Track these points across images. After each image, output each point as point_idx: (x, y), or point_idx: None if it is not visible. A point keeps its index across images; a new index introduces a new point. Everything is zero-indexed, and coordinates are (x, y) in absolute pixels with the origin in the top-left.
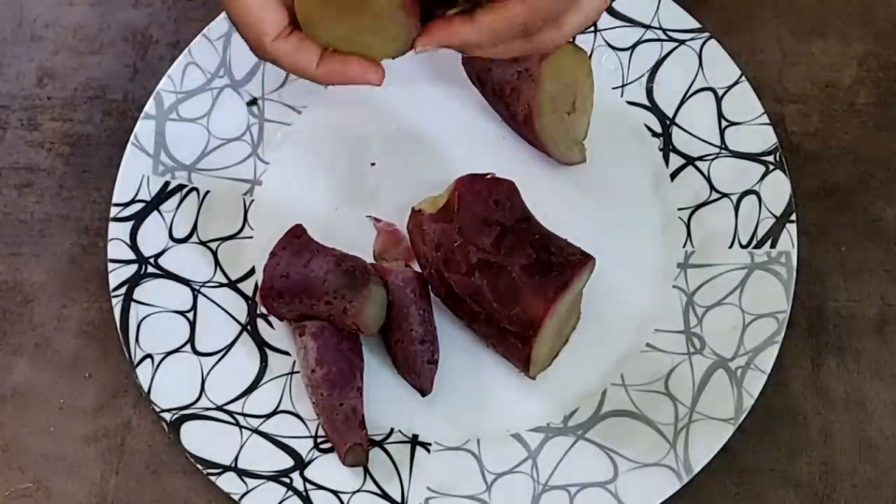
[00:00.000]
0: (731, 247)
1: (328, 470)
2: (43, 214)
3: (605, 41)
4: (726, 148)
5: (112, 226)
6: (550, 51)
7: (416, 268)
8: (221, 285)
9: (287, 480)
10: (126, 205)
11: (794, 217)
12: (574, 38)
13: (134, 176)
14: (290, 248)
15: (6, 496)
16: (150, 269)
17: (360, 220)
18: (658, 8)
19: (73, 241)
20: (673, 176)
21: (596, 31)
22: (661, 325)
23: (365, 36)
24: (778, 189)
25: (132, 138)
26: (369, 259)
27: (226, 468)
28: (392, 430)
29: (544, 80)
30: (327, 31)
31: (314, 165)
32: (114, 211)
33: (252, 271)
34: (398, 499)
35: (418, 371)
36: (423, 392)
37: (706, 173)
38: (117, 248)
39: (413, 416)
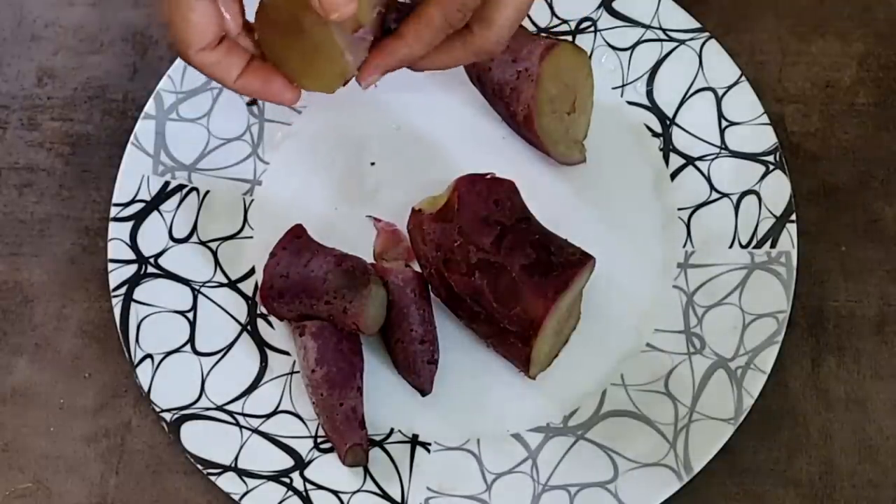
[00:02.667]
0: (731, 247)
1: (328, 470)
2: (43, 214)
3: (605, 41)
4: (726, 148)
5: (112, 226)
6: (493, 54)
7: (416, 268)
8: (221, 285)
9: (287, 480)
10: (126, 205)
11: (794, 217)
12: (574, 38)
13: (134, 176)
14: (290, 248)
15: (6, 496)
16: (150, 269)
17: (360, 220)
18: (658, 8)
19: (73, 241)
20: (673, 176)
21: (596, 31)
22: (661, 325)
23: (309, 65)
24: (778, 189)
25: (132, 138)
26: (369, 259)
27: (226, 468)
28: (392, 430)
29: (544, 80)
30: (276, 54)
31: (314, 165)
32: (114, 211)
33: (252, 271)
34: (398, 499)
35: (418, 371)
36: (423, 392)
37: (706, 173)
38: (117, 248)
39: (413, 416)
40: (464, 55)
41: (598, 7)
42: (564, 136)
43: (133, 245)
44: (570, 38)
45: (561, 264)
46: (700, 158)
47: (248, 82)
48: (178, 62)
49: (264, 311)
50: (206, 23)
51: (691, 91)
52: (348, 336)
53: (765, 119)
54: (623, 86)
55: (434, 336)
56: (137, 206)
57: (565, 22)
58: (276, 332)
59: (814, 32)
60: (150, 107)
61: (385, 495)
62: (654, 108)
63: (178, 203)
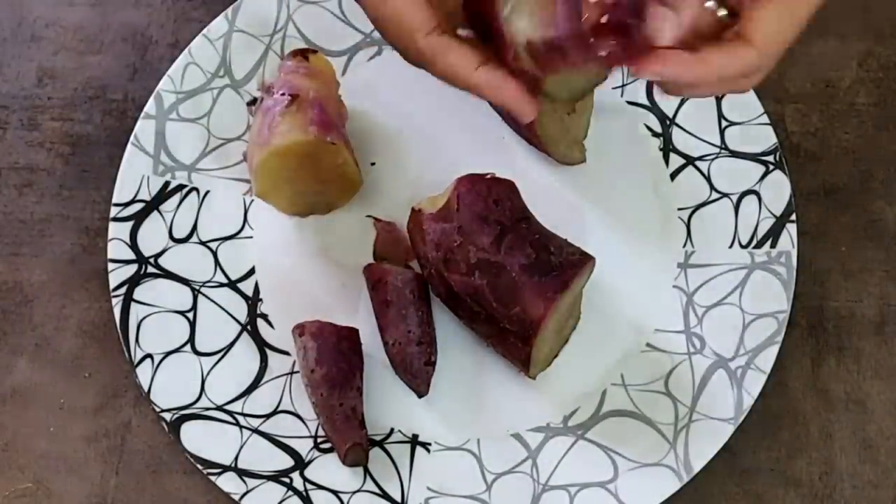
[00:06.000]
0: (731, 247)
1: (328, 470)
2: (43, 214)
3: None
4: (726, 148)
5: (112, 226)
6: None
7: (417, 268)
8: (221, 285)
9: (287, 480)
10: (126, 205)
11: (794, 217)
12: None
13: (134, 176)
14: None
15: (6, 496)
16: (150, 269)
17: (360, 220)
18: None
19: (73, 241)
20: (673, 176)
21: None
22: (661, 325)
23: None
24: (778, 189)
25: (132, 138)
26: (369, 259)
27: (226, 468)
28: (392, 430)
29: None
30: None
31: None
32: (114, 211)
33: (252, 271)
34: (398, 499)
35: (415, 373)
36: (420, 394)
37: (706, 173)
38: (117, 248)
39: (413, 416)
40: (724, 90)
41: None
42: (564, 136)
43: (133, 245)
44: None
45: (561, 264)
46: (700, 158)
47: (492, 76)
48: (179, 62)
49: (265, 311)
50: (423, 5)
51: None
52: (348, 336)
53: (765, 119)
54: (623, 86)
55: (432, 338)
56: (137, 206)
57: None
58: (276, 332)
59: (814, 32)
60: (150, 107)
61: (385, 495)
62: (654, 108)
63: (178, 203)
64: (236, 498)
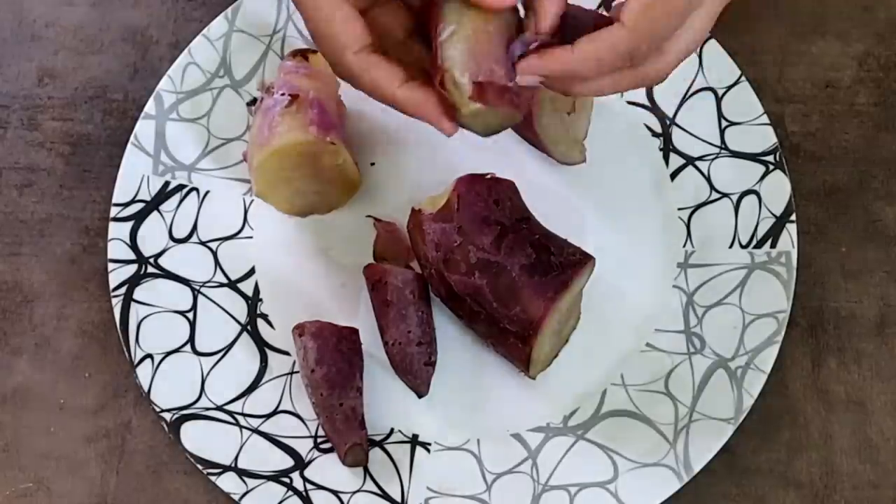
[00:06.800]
0: (731, 247)
1: (328, 470)
2: (43, 214)
3: None
4: (726, 148)
5: (112, 226)
6: (656, 83)
7: (417, 268)
8: (221, 285)
9: (287, 480)
10: (126, 205)
11: (794, 217)
12: None
13: (134, 176)
14: None
15: (6, 496)
16: (150, 269)
17: (360, 220)
18: None
19: (73, 241)
20: (673, 176)
21: None
22: (661, 325)
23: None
24: (778, 189)
25: (132, 138)
26: (369, 259)
27: (226, 468)
28: (392, 430)
29: None
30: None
31: None
32: (114, 211)
33: (252, 271)
34: (398, 499)
35: (415, 373)
36: (420, 394)
37: (706, 173)
38: (117, 248)
39: (413, 416)
40: (629, 83)
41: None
42: (564, 136)
43: (133, 245)
44: None
45: (561, 264)
46: (700, 158)
47: (411, 95)
48: (179, 62)
49: (265, 311)
50: (356, 25)
51: (691, 91)
52: (348, 336)
53: (765, 119)
54: None
55: (432, 338)
56: (137, 206)
57: None
58: (276, 332)
59: (814, 32)
60: (150, 107)
61: (385, 495)
62: (654, 108)
63: (178, 203)
64: (236, 498)
